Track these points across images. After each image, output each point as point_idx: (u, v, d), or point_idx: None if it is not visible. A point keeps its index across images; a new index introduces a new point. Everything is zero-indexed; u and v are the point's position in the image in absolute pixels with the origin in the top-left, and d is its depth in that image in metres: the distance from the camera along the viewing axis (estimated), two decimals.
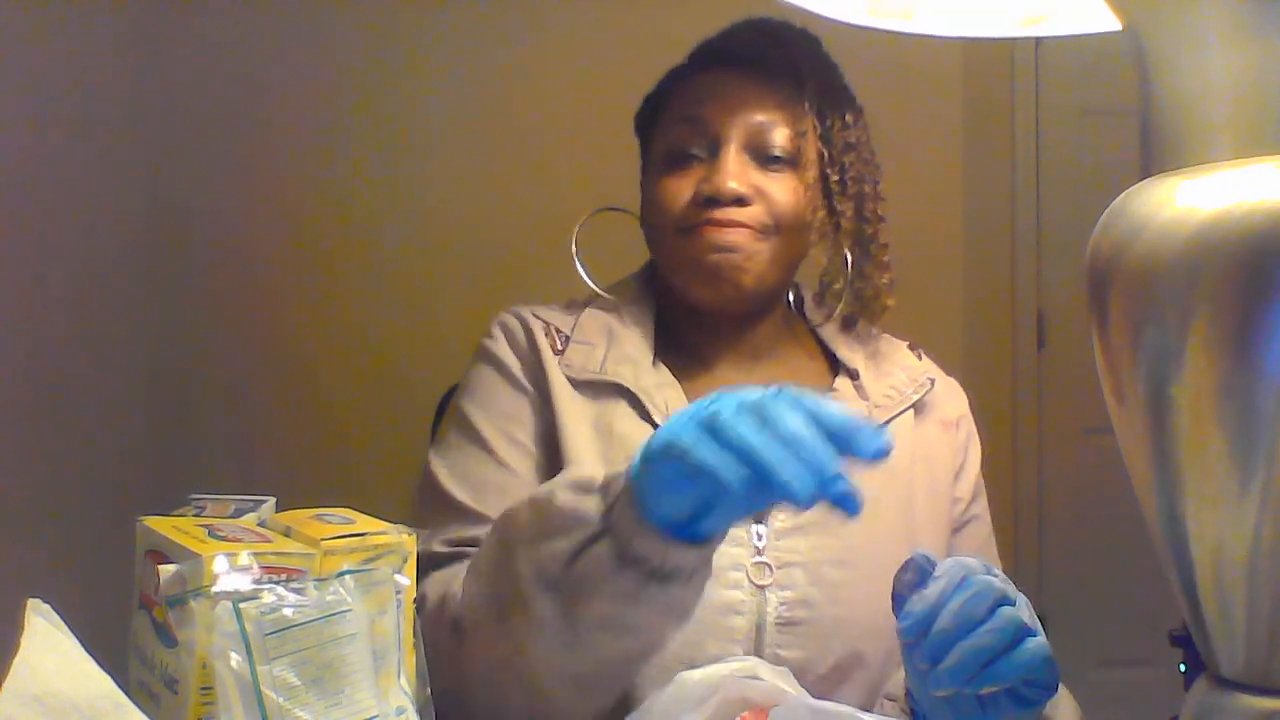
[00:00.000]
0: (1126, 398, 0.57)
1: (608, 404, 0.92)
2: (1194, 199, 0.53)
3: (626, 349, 0.95)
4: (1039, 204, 2.63)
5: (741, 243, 0.92)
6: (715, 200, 0.91)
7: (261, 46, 2.07)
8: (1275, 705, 0.54)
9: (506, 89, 2.14)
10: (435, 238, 2.12)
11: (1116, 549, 2.12)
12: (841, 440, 0.61)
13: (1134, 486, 0.59)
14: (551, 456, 0.91)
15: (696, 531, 0.67)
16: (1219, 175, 0.53)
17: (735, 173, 0.92)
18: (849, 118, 0.97)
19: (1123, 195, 0.58)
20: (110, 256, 1.86)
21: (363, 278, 2.13)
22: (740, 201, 0.92)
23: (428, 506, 0.93)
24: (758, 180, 0.93)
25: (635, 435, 0.89)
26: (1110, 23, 0.76)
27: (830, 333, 1.01)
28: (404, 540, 0.67)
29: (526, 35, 2.15)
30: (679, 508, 0.66)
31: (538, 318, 0.99)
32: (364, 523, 0.68)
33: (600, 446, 0.90)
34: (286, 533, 0.67)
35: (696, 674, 0.71)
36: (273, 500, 0.73)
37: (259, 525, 0.69)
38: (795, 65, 0.96)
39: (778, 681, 0.70)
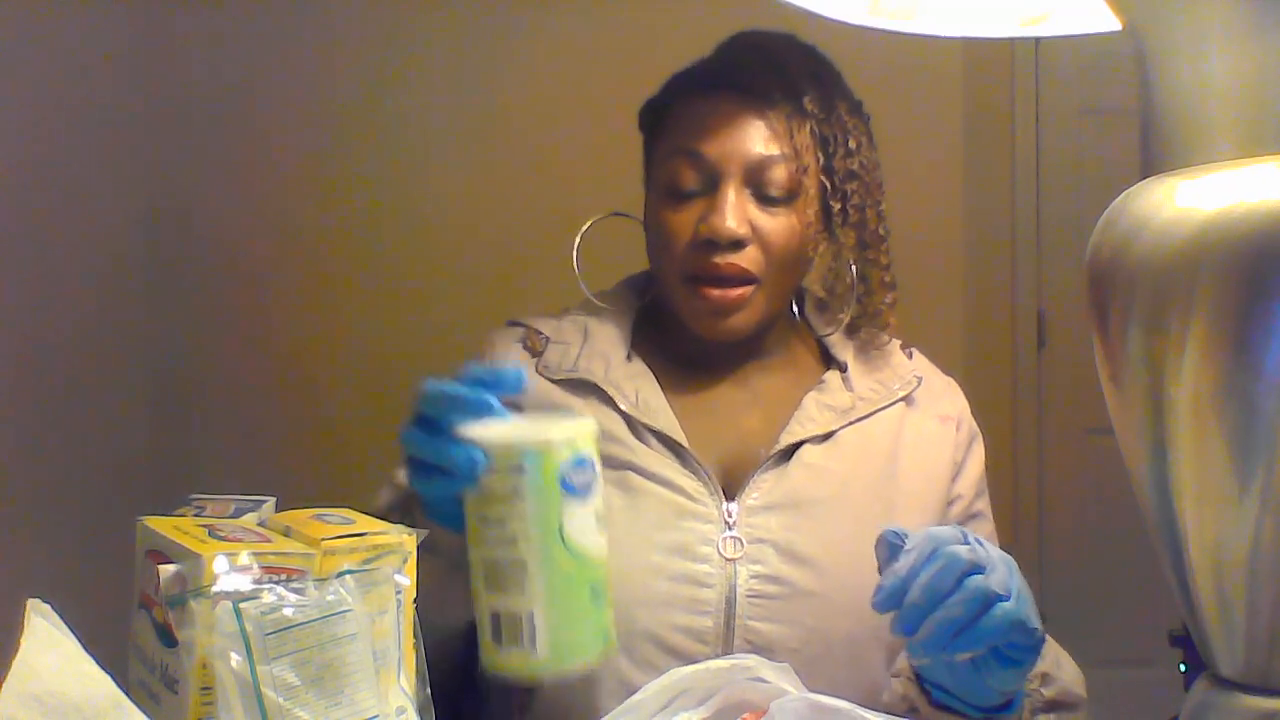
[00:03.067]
0: (1127, 398, 0.57)
1: (582, 399, 0.95)
2: (1194, 199, 0.53)
3: (599, 345, 0.97)
4: (1039, 204, 2.63)
5: (740, 300, 0.93)
6: (713, 243, 0.92)
7: (261, 47, 2.07)
8: (1275, 705, 0.54)
9: (507, 89, 2.13)
10: (436, 238, 2.12)
11: (1116, 549, 2.12)
12: (493, 386, 0.70)
13: (1134, 486, 0.59)
14: None
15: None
16: (1219, 175, 0.53)
17: (733, 213, 0.91)
18: (852, 143, 0.95)
19: (1123, 195, 0.59)
20: (111, 257, 1.86)
21: (363, 278, 2.13)
22: (738, 244, 0.92)
23: None
24: (756, 219, 0.92)
25: (606, 427, 0.92)
26: (1110, 23, 0.76)
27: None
28: (404, 540, 0.67)
29: (527, 35, 2.15)
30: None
31: (520, 326, 1.02)
32: (364, 523, 0.68)
33: None
34: (286, 533, 0.67)
35: (695, 669, 0.71)
36: (273, 500, 0.73)
37: (259, 525, 0.69)
38: (799, 93, 0.93)
39: (780, 681, 0.70)
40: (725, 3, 1.04)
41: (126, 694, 0.57)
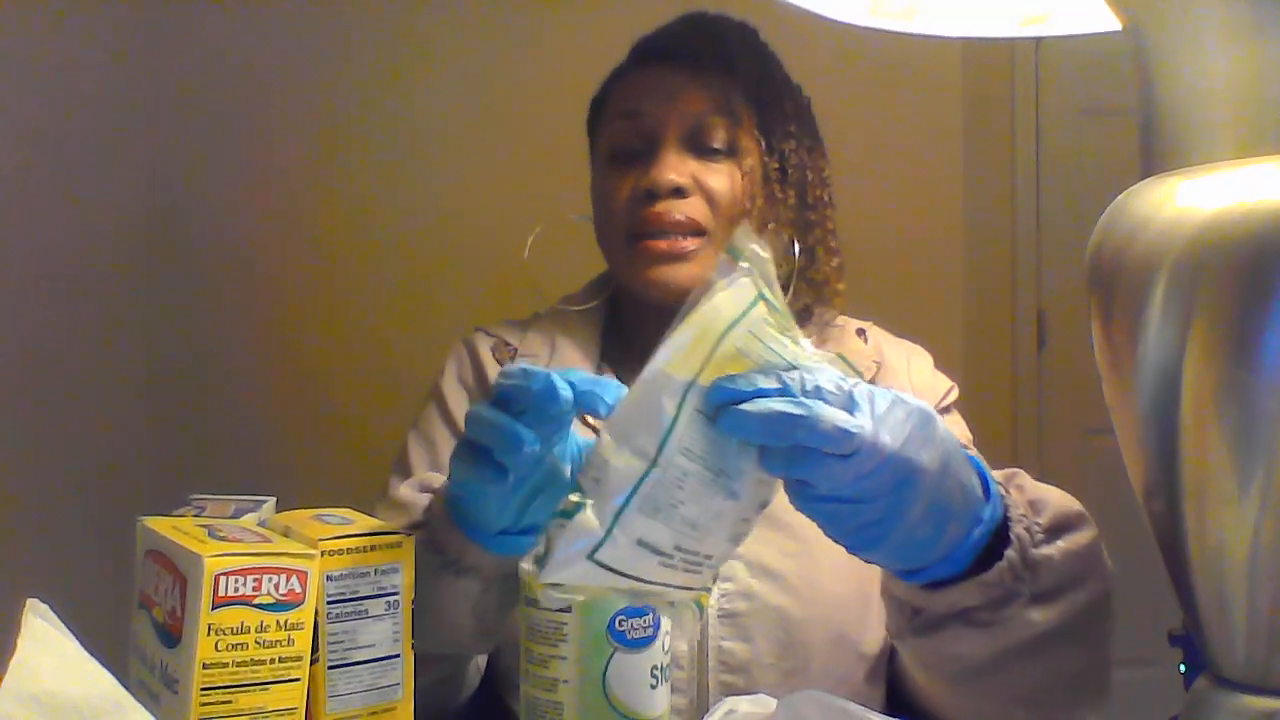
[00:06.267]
0: (1127, 398, 0.57)
1: None
2: (1194, 199, 0.53)
3: (568, 357, 0.97)
4: (1039, 204, 2.63)
5: (685, 248, 0.94)
6: (654, 194, 0.94)
7: (264, 42, 2.07)
8: (1275, 705, 0.54)
9: (509, 87, 2.13)
10: (438, 237, 2.12)
11: (1116, 549, 2.12)
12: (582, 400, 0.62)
13: (1134, 487, 0.59)
14: None
15: (512, 544, 0.69)
16: (1219, 175, 0.53)
17: (672, 164, 0.94)
18: (787, 107, 0.99)
19: (1123, 195, 0.59)
20: (110, 255, 1.86)
21: (364, 277, 2.13)
22: (679, 193, 0.94)
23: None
24: (695, 171, 0.95)
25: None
26: (1110, 23, 0.76)
27: None
28: (404, 540, 0.67)
29: (529, 33, 2.15)
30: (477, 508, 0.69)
31: (490, 335, 1.01)
32: (364, 523, 0.68)
33: None
34: (286, 533, 0.67)
35: None
36: (273, 500, 0.73)
37: (259, 525, 0.69)
38: (729, 58, 0.98)
39: (760, 709, 0.68)
40: (727, 3, 1.04)
41: (128, 691, 0.57)
